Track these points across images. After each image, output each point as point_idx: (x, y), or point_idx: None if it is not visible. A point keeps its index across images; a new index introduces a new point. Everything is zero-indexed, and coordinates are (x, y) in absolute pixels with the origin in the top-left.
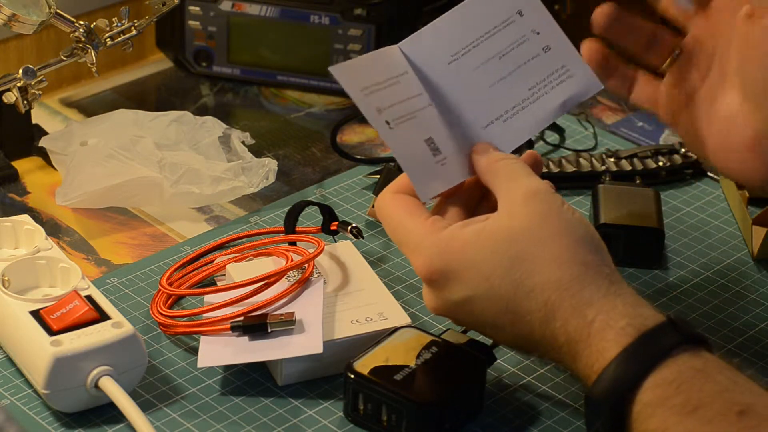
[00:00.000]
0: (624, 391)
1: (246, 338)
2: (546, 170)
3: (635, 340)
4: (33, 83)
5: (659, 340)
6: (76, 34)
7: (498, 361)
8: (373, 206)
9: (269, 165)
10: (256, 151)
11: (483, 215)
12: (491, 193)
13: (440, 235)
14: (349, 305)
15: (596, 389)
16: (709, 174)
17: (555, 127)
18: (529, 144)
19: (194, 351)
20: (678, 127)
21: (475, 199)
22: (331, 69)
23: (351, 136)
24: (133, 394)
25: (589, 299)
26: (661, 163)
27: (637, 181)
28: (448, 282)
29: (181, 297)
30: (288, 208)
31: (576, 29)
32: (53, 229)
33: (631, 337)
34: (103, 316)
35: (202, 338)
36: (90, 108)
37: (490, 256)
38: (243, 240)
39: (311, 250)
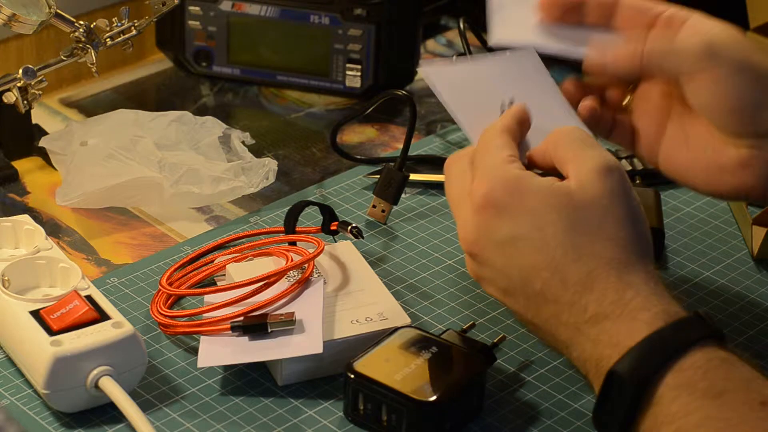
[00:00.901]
0: (651, 370)
1: (246, 338)
2: None
3: (668, 325)
4: (33, 83)
5: (690, 329)
6: (76, 34)
7: (498, 361)
8: (373, 206)
9: (269, 165)
10: (256, 151)
11: (551, 176)
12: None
13: (512, 169)
14: (349, 305)
15: (622, 365)
16: None
17: None
18: None
19: (194, 351)
20: (660, 163)
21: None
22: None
23: (351, 136)
24: (133, 394)
25: (632, 282)
26: None
27: (637, 181)
28: (500, 215)
29: (181, 297)
30: (288, 208)
31: None
32: (53, 229)
33: (663, 321)
34: (103, 316)
35: (202, 338)
36: (90, 108)
37: (550, 211)
38: (243, 240)
39: (311, 250)
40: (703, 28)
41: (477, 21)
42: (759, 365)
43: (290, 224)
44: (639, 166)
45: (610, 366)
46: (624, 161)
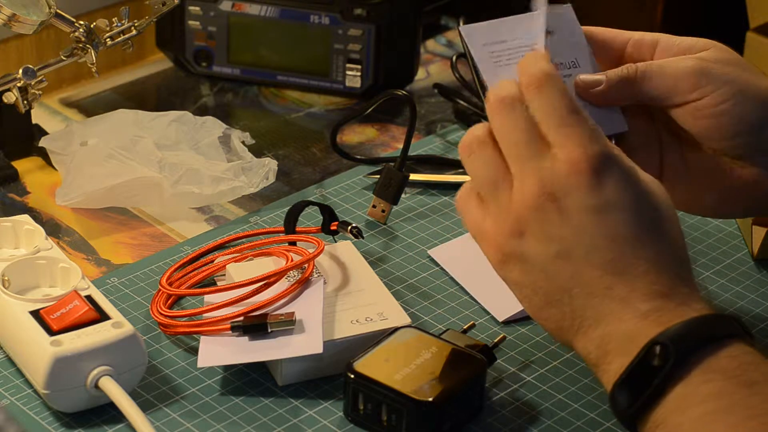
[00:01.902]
0: (694, 346)
1: (246, 338)
2: None
3: (712, 314)
4: (33, 83)
5: (730, 324)
6: (76, 34)
7: (498, 361)
8: (373, 206)
9: (269, 165)
10: (256, 151)
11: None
12: None
13: (611, 143)
14: (349, 305)
15: (667, 336)
16: None
17: None
18: None
19: (194, 351)
20: (679, 201)
21: None
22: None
23: (351, 136)
24: (133, 394)
25: (688, 280)
26: None
27: None
28: (603, 178)
29: (181, 297)
30: (288, 208)
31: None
32: (53, 229)
33: (709, 312)
34: (103, 316)
35: (202, 338)
36: (90, 108)
37: (635, 195)
38: (243, 240)
39: (311, 250)
40: (684, 49)
41: (477, 21)
42: None
43: (290, 224)
44: None
45: (651, 337)
46: None
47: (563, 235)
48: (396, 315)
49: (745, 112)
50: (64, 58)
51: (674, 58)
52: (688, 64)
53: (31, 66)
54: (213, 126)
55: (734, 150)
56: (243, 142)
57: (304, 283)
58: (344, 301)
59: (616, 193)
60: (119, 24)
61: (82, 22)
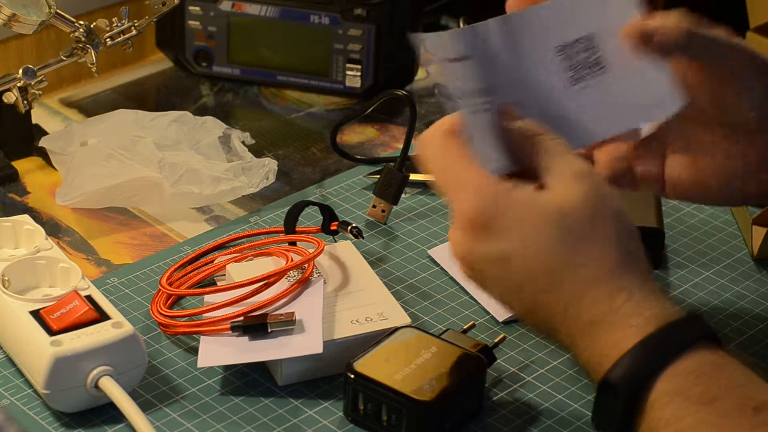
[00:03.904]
0: (643, 376)
1: (246, 338)
2: None
3: (659, 329)
4: (33, 83)
5: (682, 332)
6: (76, 34)
7: (498, 361)
8: (373, 206)
9: (269, 165)
10: (256, 151)
11: (530, 183)
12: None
13: (498, 186)
14: (349, 305)
15: (615, 373)
16: None
17: None
18: None
19: (194, 351)
20: (668, 187)
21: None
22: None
23: (351, 136)
24: (133, 394)
25: (625, 285)
26: None
27: None
28: (491, 232)
29: (181, 297)
30: (288, 208)
31: None
32: (53, 229)
33: (654, 326)
34: (103, 316)
35: (202, 338)
36: (90, 108)
37: (542, 221)
38: (243, 240)
39: (311, 250)
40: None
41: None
42: (755, 364)
43: (290, 224)
44: None
45: (602, 376)
46: None
47: (489, 284)
48: (396, 315)
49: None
50: (64, 58)
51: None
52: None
53: (31, 66)
54: (213, 126)
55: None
56: (243, 142)
57: (304, 283)
58: (344, 301)
59: (507, 243)
60: (119, 24)
61: (82, 22)
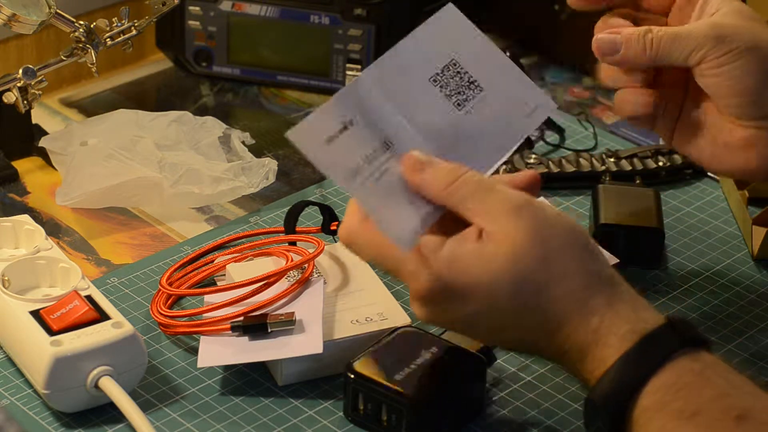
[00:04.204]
0: (623, 395)
1: (246, 338)
2: (546, 170)
3: (635, 345)
4: (33, 83)
5: (658, 345)
6: (76, 34)
7: (498, 361)
8: None
9: (269, 165)
10: (256, 151)
11: (471, 230)
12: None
13: (438, 257)
14: (349, 305)
15: (596, 394)
16: (709, 174)
17: (555, 127)
18: (529, 144)
19: (194, 351)
20: (674, 140)
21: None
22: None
23: None
24: (133, 394)
25: (595, 308)
26: (661, 163)
27: (637, 181)
28: (450, 301)
29: (181, 297)
30: (288, 208)
31: (574, 30)
32: (53, 229)
33: (631, 342)
34: (103, 316)
35: (202, 338)
36: (90, 108)
37: (494, 276)
38: (243, 240)
39: (311, 250)
40: (711, 9)
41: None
42: (736, 367)
43: (290, 224)
44: (639, 166)
45: (586, 396)
46: (624, 161)
47: (462, 329)
48: (396, 315)
49: (749, 72)
50: (64, 58)
51: (689, 24)
52: (701, 31)
53: (31, 66)
54: (213, 126)
55: (734, 108)
56: (243, 142)
57: (304, 283)
58: (344, 301)
59: (468, 307)
60: (119, 24)
61: (82, 22)
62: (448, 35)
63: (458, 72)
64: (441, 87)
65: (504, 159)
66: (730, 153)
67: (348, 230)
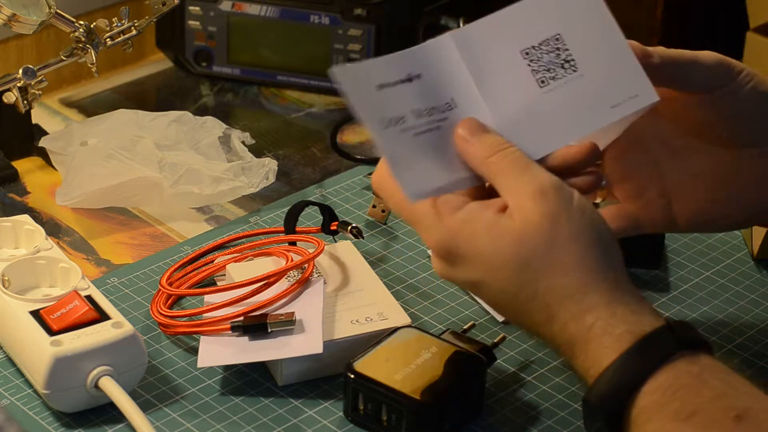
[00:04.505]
0: (621, 396)
1: (246, 338)
2: None
3: (632, 346)
4: (33, 83)
5: (656, 346)
6: (76, 34)
7: (498, 361)
8: (373, 206)
9: (269, 165)
10: (256, 151)
11: (499, 201)
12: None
13: (452, 219)
14: (349, 305)
15: (593, 394)
16: None
17: None
18: None
19: (194, 351)
20: (676, 217)
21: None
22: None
23: (351, 136)
24: (133, 394)
25: (591, 306)
26: None
27: None
28: (457, 262)
29: (181, 297)
30: (288, 208)
31: None
32: (53, 229)
33: (628, 343)
34: (103, 316)
35: (202, 338)
36: (90, 108)
37: (498, 252)
38: (243, 240)
39: (311, 250)
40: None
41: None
42: (736, 368)
43: (290, 224)
44: None
45: (583, 396)
46: None
47: (471, 290)
48: (396, 315)
49: (761, 97)
50: (64, 58)
51: (700, 52)
52: (716, 56)
53: (31, 66)
54: (213, 126)
55: (746, 136)
56: (243, 142)
57: (304, 283)
58: (344, 301)
59: (473, 273)
60: (119, 24)
61: (82, 22)
62: (568, 6)
63: (557, 48)
64: (531, 61)
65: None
66: (746, 194)
67: (378, 177)
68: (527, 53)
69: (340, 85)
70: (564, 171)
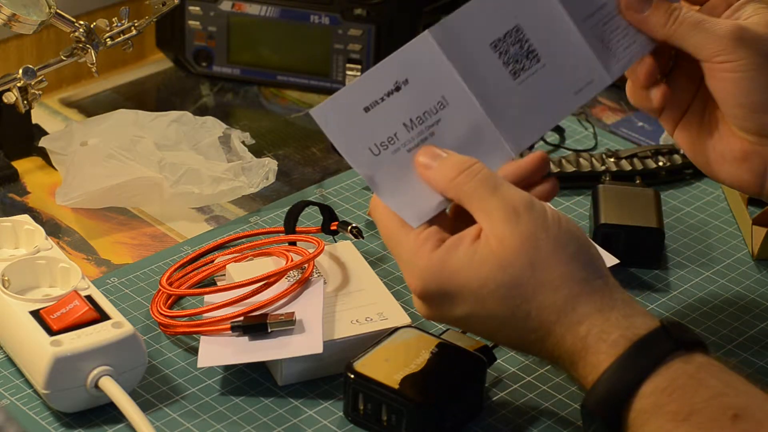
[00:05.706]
0: (618, 399)
1: (246, 338)
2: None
3: (627, 350)
4: (33, 83)
5: (651, 349)
6: (76, 34)
7: (498, 361)
8: None
9: (269, 165)
10: (256, 151)
11: (473, 229)
12: None
13: (432, 257)
14: (349, 305)
15: (590, 399)
16: None
17: (555, 127)
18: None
19: (194, 351)
20: (675, 134)
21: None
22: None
23: None
24: (133, 394)
25: (583, 316)
26: (661, 163)
27: (637, 181)
28: (443, 301)
29: (181, 297)
30: (288, 208)
31: None
32: (53, 229)
33: (623, 347)
34: (103, 316)
35: (202, 338)
36: (90, 108)
37: (484, 282)
38: (243, 240)
39: (311, 250)
40: (745, 15)
41: None
42: (733, 367)
43: (290, 224)
44: (639, 166)
45: (581, 403)
46: (624, 161)
47: (460, 327)
48: (396, 315)
49: (759, 87)
50: (64, 58)
51: (717, 19)
52: (725, 28)
53: (31, 66)
54: (213, 126)
55: (737, 118)
56: (243, 142)
57: (304, 283)
58: (344, 301)
59: (461, 308)
60: (119, 24)
61: (82, 22)
62: None
63: (519, 40)
64: (500, 53)
65: (539, 137)
66: (725, 162)
67: (374, 204)
68: (495, 45)
69: (322, 127)
70: (518, 185)
